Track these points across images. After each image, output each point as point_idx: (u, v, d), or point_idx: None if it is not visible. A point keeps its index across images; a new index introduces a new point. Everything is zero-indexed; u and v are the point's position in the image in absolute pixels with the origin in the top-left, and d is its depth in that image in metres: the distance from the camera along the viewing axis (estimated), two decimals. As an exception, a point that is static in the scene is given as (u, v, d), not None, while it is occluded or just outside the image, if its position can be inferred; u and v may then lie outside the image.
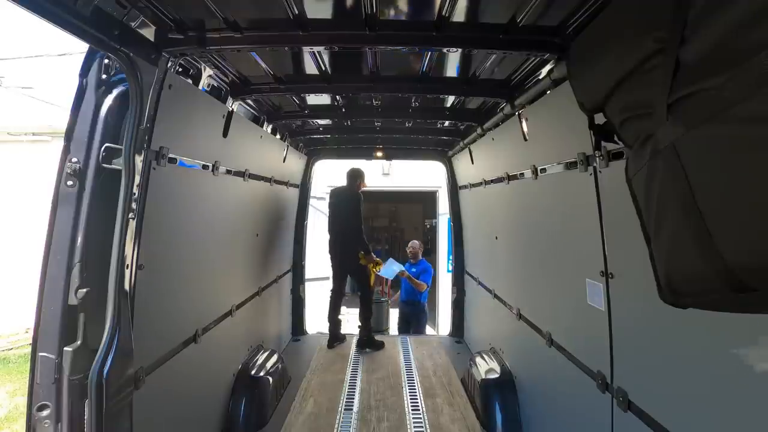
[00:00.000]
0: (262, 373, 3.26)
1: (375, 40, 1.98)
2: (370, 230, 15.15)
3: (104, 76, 1.76)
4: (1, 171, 8.33)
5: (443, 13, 1.78)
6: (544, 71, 2.21)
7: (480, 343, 4.22)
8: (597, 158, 1.79)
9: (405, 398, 3.47)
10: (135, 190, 1.74)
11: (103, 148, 1.71)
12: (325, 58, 2.39)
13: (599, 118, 1.29)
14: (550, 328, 2.47)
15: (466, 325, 5.02)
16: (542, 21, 1.81)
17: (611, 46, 1.18)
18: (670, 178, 0.87)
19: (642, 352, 1.62)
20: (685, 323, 1.28)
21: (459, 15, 1.82)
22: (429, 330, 8.47)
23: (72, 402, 1.60)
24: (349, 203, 4.57)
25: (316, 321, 5.80)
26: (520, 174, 2.84)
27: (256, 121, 3.41)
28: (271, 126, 3.61)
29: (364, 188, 4.73)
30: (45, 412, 1.60)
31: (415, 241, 6.30)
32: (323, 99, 3.31)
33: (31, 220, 6.47)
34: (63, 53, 8.72)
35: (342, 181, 4.76)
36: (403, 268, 5.95)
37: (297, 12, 1.79)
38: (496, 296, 3.65)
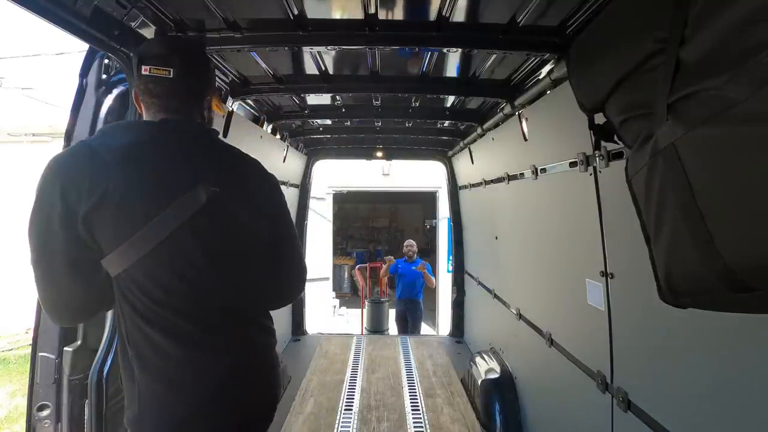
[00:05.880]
0: (262, 373, 3.25)
1: (375, 40, 1.98)
2: (371, 231, 15.14)
3: (104, 76, 1.76)
4: (1, 171, 8.32)
5: (443, 13, 1.78)
6: (544, 71, 2.21)
7: (480, 343, 4.21)
8: (597, 158, 1.79)
9: (405, 398, 3.47)
10: (135, 190, 1.73)
11: (103, 148, 1.70)
12: (325, 58, 2.39)
13: (599, 118, 1.29)
14: (550, 328, 2.47)
15: (466, 325, 5.01)
16: (542, 21, 1.80)
17: (611, 45, 1.18)
18: (670, 178, 0.87)
19: (642, 352, 1.62)
20: (685, 323, 1.28)
21: (459, 15, 1.82)
22: (427, 328, 8.52)
23: (72, 402, 1.60)
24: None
25: (316, 321, 5.79)
26: (520, 174, 2.84)
27: (256, 121, 3.41)
28: (271, 126, 3.61)
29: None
30: (45, 412, 1.60)
31: (412, 241, 6.33)
32: (323, 99, 3.30)
33: (31, 220, 6.45)
34: (60, 52, 8.74)
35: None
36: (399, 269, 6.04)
37: (297, 12, 1.79)
38: (496, 296, 3.65)
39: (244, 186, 1.28)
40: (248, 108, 3.22)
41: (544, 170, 2.45)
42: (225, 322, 1.19)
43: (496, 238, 3.60)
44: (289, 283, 1.38)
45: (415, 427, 3.05)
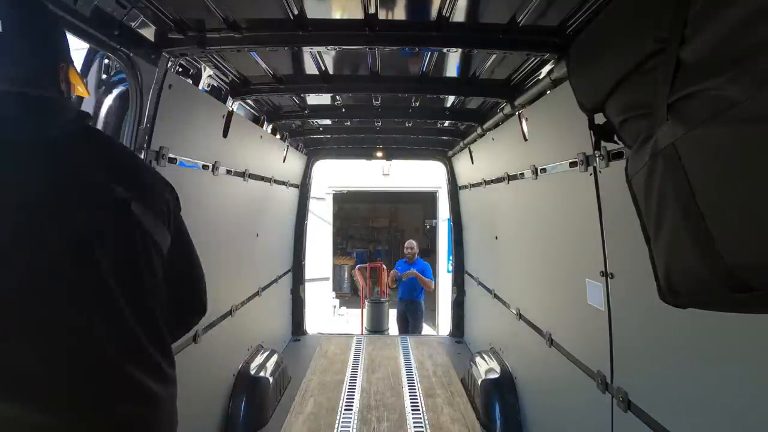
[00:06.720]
0: (262, 373, 3.26)
1: (375, 40, 1.98)
2: (371, 231, 15.12)
3: (104, 76, 1.76)
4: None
5: (443, 13, 1.78)
6: (544, 71, 2.21)
7: (480, 343, 4.21)
8: (597, 158, 1.79)
9: (405, 398, 3.47)
10: (135, 190, 1.74)
11: (102, 148, 1.69)
12: (325, 58, 2.39)
13: (599, 118, 1.29)
14: (550, 328, 2.47)
15: (466, 325, 5.02)
16: (542, 21, 1.81)
17: (611, 46, 1.18)
18: (670, 178, 0.87)
19: (642, 352, 1.62)
20: (685, 323, 1.28)
21: (459, 15, 1.82)
22: (427, 328, 8.52)
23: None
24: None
25: (316, 321, 5.79)
26: (520, 174, 2.84)
27: (256, 121, 3.41)
28: (271, 126, 3.61)
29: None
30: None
31: (413, 241, 6.32)
32: (323, 99, 3.31)
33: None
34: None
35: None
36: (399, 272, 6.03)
37: (297, 12, 1.79)
38: (496, 296, 3.65)
39: (147, 188, 0.97)
40: (248, 108, 3.22)
41: (544, 170, 2.45)
42: (118, 370, 0.84)
43: (496, 238, 3.60)
44: (192, 312, 1.25)
45: (415, 427, 3.05)
